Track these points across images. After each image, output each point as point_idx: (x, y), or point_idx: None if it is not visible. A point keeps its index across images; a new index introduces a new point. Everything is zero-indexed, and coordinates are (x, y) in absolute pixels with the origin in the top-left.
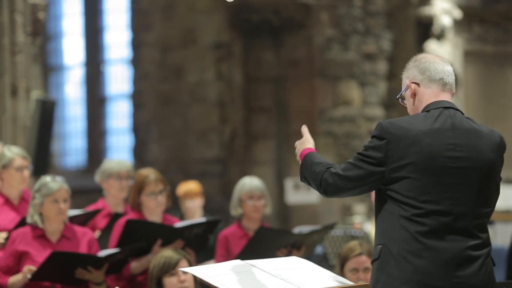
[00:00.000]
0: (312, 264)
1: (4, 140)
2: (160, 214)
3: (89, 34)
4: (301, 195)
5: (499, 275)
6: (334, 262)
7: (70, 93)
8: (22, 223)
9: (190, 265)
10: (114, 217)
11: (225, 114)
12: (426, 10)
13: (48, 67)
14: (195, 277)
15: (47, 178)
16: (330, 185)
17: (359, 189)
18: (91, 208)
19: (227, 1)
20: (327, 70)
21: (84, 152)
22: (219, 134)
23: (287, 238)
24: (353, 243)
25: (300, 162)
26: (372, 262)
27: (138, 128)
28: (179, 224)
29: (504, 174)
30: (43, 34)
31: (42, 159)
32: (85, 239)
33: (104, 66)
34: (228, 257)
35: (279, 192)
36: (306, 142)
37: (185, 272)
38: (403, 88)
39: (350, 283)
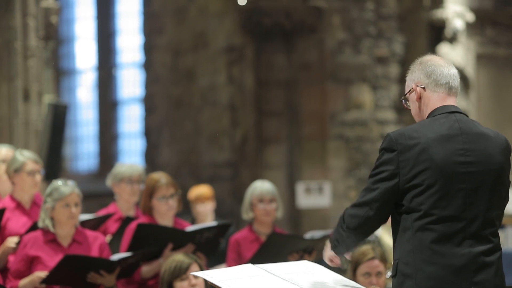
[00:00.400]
0: (324, 268)
1: (16, 144)
2: (172, 218)
3: (101, 38)
4: (313, 199)
5: (510, 280)
6: (346, 266)
7: (82, 97)
8: (34, 227)
9: (201, 269)
10: (126, 221)
11: (236, 117)
12: (438, 13)
13: (60, 71)
14: (206, 281)
15: (58, 182)
16: (351, 218)
17: (381, 210)
18: (102, 212)
19: (239, 5)
20: (338, 73)
21: (96, 156)
22: (231, 137)
23: (299, 243)
24: (366, 247)
25: (331, 243)
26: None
27: (150, 132)
28: (190, 228)
29: None
30: (56, 38)
31: (53, 163)
32: (96, 244)
33: (116, 70)
34: (239, 261)
35: (290, 196)
36: None
37: (196, 276)
38: (407, 89)
39: (362, 287)
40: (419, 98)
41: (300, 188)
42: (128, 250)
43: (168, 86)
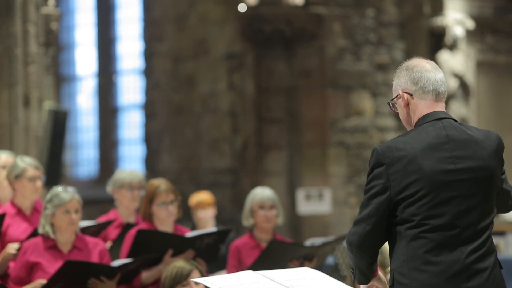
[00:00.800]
0: (324, 275)
1: (16, 151)
2: (171, 224)
3: (102, 44)
4: (313, 205)
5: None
6: (346, 273)
7: (82, 104)
8: (34, 234)
9: (202, 275)
10: (126, 227)
11: (237, 124)
12: (439, 21)
13: (61, 78)
14: None
15: (58, 189)
16: (352, 236)
17: (378, 224)
18: (103, 218)
19: (239, 12)
20: (339, 80)
21: (96, 162)
22: (231, 144)
23: (299, 250)
24: None
25: (352, 276)
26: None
27: (150, 138)
28: (189, 234)
29: None
30: (56, 44)
31: (54, 169)
32: (96, 250)
33: (116, 77)
34: (240, 267)
35: (291, 202)
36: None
37: (197, 283)
38: (394, 94)
39: None
40: (407, 105)
41: (300, 194)
42: (128, 256)
43: (168, 93)
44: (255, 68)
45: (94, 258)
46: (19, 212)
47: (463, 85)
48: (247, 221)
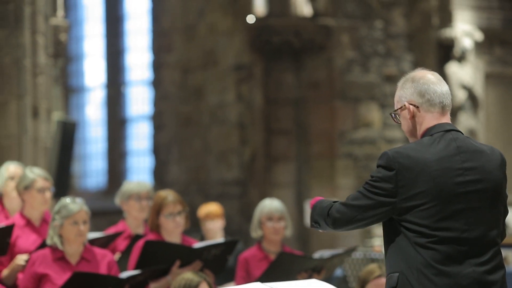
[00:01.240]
0: (332, 286)
1: (24, 162)
2: (179, 236)
3: (110, 55)
4: None
5: None
6: (354, 285)
7: (90, 115)
8: (43, 245)
9: (210, 287)
10: (135, 239)
11: (245, 135)
12: (447, 32)
13: (69, 89)
14: None
15: (67, 200)
16: (338, 215)
17: (369, 219)
18: (111, 230)
19: (248, 23)
20: (347, 92)
21: (105, 174)
22: (239, 155)
23: (308, 262)
24: (372, 266)
25: (310, 221)
26: None
27: (158, 149)
28: (197, 245)
29: None
30: (65, 55)
31: (62, 181)
32: (104, 261)
33: (124, 88)
34: (248, 279)
35: (299, 214)
36: None
37: None
38: (397, 105)
39: None
40: (413, 117)
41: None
42: (136, 267)
43: (177, 104)
44: (264, 79)
45: (102, 270)
46: (28, 223)
47: (472, 97)
48: (255, 233)
